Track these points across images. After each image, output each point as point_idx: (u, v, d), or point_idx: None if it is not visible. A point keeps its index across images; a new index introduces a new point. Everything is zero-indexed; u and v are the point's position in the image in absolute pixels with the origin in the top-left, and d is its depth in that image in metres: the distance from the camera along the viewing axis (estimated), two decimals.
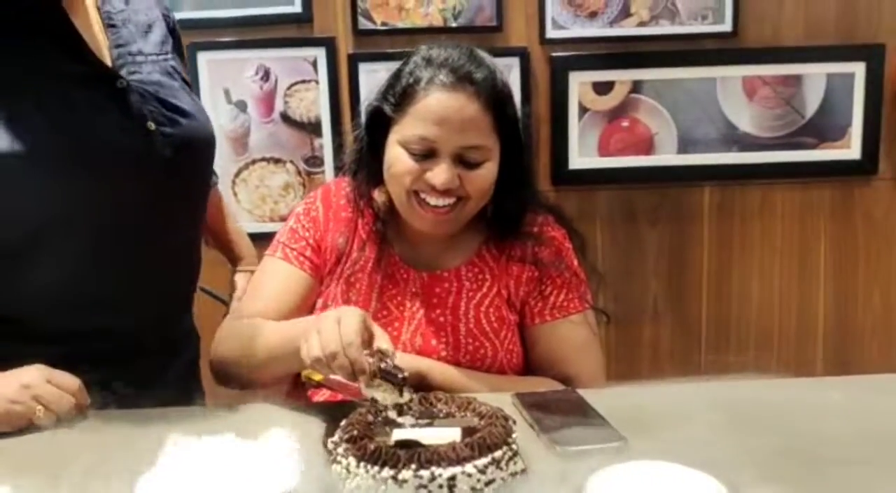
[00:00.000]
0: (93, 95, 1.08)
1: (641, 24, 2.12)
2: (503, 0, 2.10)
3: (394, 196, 1.21)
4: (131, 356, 1.10)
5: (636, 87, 2.15)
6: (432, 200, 1.15)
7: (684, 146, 2.17)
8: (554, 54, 2.12)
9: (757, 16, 2.12)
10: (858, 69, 2.14)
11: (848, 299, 2.24)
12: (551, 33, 2.12)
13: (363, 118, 1.24)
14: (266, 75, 2.14)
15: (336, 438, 0.80)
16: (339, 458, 0.76)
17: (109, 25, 1.14)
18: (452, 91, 1.12)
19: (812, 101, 2.16)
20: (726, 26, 2.11)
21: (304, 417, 0.97)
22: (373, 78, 2.11)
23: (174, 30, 1.29)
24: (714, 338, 2.24)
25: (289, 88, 2.15)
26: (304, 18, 2.10)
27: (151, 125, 1.12)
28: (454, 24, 2.11)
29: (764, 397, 1.03)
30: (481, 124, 1.13)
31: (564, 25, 2.12)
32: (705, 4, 2.11)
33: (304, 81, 2.15)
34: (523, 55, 2.11)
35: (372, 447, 0.75)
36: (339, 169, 1.35)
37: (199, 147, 1.22)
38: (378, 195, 1.27)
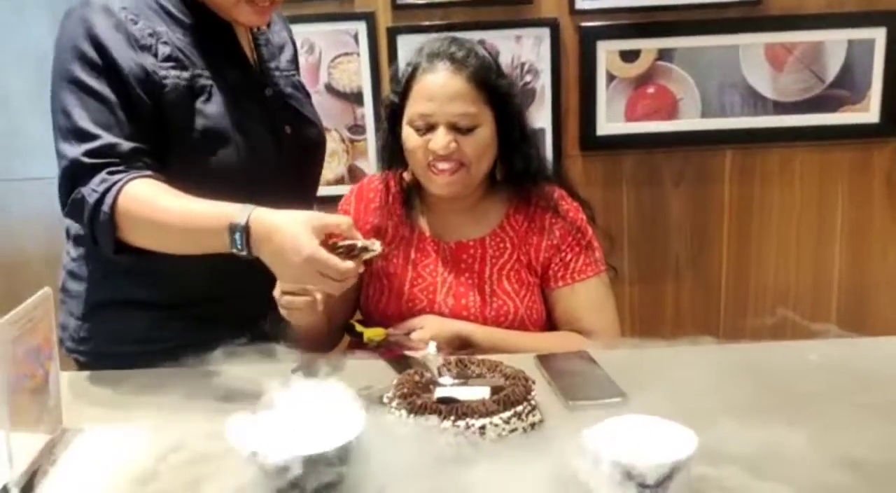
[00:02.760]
0: (249, 99, 1.32)
1: None
2: None
3: (414, 171, 1.42)
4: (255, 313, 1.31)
5: (661, 55, 2.24)
6: (439, 164, 1.35)
7: (707, 111, 2.26)
8: (583, 24, 2.21)
9: None
10: (879, 35, 2.20)
11: (863, 257, 2.34)
12: (580, 4, 2.20)
13: (383, 114, 1.47)
14: (311, 49, 2.28)
15: (390, 394, 0.99)
16: (393, 410, 0.95)
17: (256, 45, 1.39)
18: (439, 71, 1.34)
19: (833, 66, 2.23)
20: None
21: (364, 373, 1.16)
22: (410, 50, 2.21)
23: (296, 48, 1.56)
24: (733, 295, 2.37)
25: (332, 61, 2.28)
26: None
27: (288, 129, 1.36)
28: None
29: (751, 359, 1.19)
30: (466, 95, 1.33)
31: None
32: None
33: (346, 54, 2.28)
34: (553, 26, 2.21)
35: (419, 402, 0.93)
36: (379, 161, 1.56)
37: (317, 149, 1.48)
38: (407, 176, 1.48)
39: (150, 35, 1.22)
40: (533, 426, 0.95)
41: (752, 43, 2.22)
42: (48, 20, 2.27)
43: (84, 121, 1.16)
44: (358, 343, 1.36)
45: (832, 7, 2.19)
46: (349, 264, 1.05)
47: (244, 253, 1.09)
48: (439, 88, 1.33)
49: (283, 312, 1.17)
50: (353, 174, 2.35)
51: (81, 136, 1.16)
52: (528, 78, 2.27)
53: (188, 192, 1.17)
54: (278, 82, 1.42)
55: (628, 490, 0.76)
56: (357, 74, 2.29)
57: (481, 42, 2.18)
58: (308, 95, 1.53)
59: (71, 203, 1.17)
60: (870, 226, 2.33)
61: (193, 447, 0.97)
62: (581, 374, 1.12)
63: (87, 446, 0.99)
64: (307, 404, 0.88)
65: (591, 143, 2.30)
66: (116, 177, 1.14)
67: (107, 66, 1.18)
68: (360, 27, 2.25)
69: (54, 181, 2.05)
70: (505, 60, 2.24)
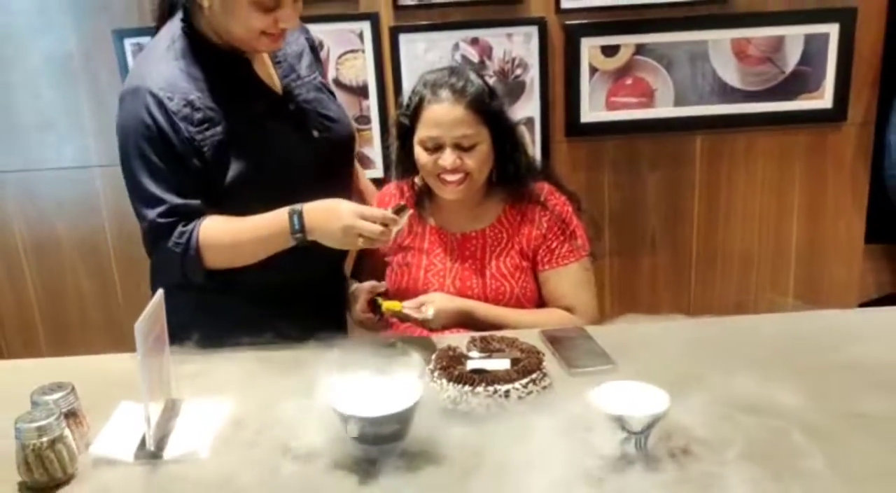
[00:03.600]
0: (277, 119, 1.56)
1: None
2: None
3: (426, 180, 1.69)
4: (313, 296, 1.60)
5: (639, 49, 2.47)
6: (448, 177, 1.62)
7: (680, 100, 2.51)
8: (568, 22, 2.43)
9: None
10: (833, 30, 2.44)
11: (817, 228, 2.62)
12: (565, 4, 2.42)
13: (393, 131, 1.73)
14: (320, 46, 2.47)
15: (431, 366, 1.25)
16: (435, 379, 1.21)
17: (275, 63, 1.61)
18: (442, 101, 1.60)
19: (792, 58, 2.48)
20: None
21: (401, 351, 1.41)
22: (411, 47, 2.46)
23: (314, 46, 1.75)
24: (703, 264, 2.64)
25: (340, 57, 2.49)
26: None
27: (315, 133, 1.60)
28: None
29: (715, 332, 1.47)
30: (466, 120, 1.59)
31: None
32: None
33: (352, 51, 2.48)
34: (541, 24, 2.43)
35: (456, 372, 1.19)
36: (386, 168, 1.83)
37: (346, 142, 1.72)
38: (418, 181, 1.75)
39: (185, 105, 1.45)
40: (545, 388, 1.22)
41: (719, 38, 2.46)
42: (72, 22, 2.45)
43: (153, 188, 1.46)
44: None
45: (791, 5, 2.43)
46: (379, 227, 1.39)
47: (299, 235, 1.42)
48: (444, 115, 1.59)
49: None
50: (360, 161, 2.57)
51: (153, 201, 1.46)
52: (518, 71, 2.50)
53: (238, 213, 1.48)
54: (300, 92, 1.63)
55: (621, 436, 1.03)
56: (362, 70, 2.50)
57: (474, 41, 2.45)
58: (331, 92, 1.75)
59: (160, 256, 1.51)
60: (823, 201, 2.60)
61: (270, 411, 1.22)
62: (579, 347, 1.39)
63: (189, 411, 1.24)
64: (376, 375, 1.14)
65: (576, 129, 2.53)
66: (189, 227, 1.46)
67: (161, 142, 1.44)
68: (365, 26, 2.45)
69: (82, 170, 2.55)
70: (497, 55, 2.47)
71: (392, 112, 2.45)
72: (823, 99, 2.51)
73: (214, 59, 1.51)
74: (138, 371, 1.07)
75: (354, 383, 1.12)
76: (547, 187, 1.73)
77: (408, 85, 2.42)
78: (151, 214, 1.46)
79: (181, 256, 1.46)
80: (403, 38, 2.45)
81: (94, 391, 1.24)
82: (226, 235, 1.47)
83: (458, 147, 1.59)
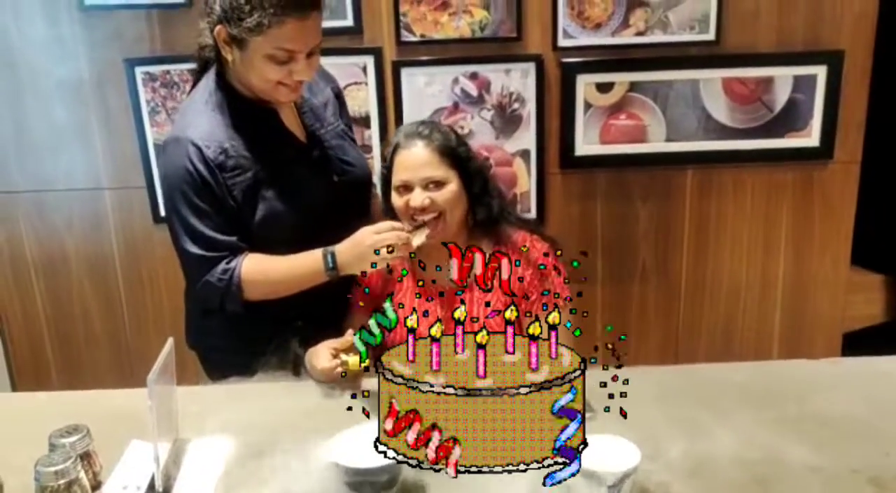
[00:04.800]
0: (301, 165, 1.71)
1: (639, 33, 2.51)
2: (522, 14, 2.48)
3: (404, 225, 1.76)
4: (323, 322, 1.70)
5: (633, 86, 2.56)
6: (420, 218, 1.70)
7: (672, 136, 2.60)
8: (564, 60, 2.52)
9: (737, 26, 2.49)
10: (821, 71, 2.53)
11: (804, 262, 2.70)
12: (562, 42, 2.51)
13: (379, 185, 1.83)
14: None
15: None
16: None
17: (301, 113, 1.75)
18: (413, 147, 1.71)
19: (780, 98, 2.56)
20: (710, 35, 2.50)
21: None
22: (413, 81, 2.54)
23: (339, 94, 1.91)
24: (692, 295, 2.73)
25: (343, 89, 2.56)
26: (356, 31, 2.51)
27: (335, 177, 1.75)
28: (480, 35, 2.51)
29: (687, 380, 1.55)
30: (433, 161, 1.70)
31: (573, 35, 2.51)
32: (693, 16, 2.49)
33: (356, 83, 2.57)
34: (538, 61, 2.52)
35: None
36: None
37: (363, 183, 1.86)
38: None
39: (221, 153, 1.61)
40: None
41: (710, 77, 2.54)
42: (86, 50, 2.54)
43: (197, 225, 1.61)
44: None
45: (781, 47, 2.51)
46: (396, 233, 1.58)
47: (332, 271, 1.60)
48: (413, 159, 1.69)
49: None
50: None
51: (196, 236, 1.62)
52: (515, 105, 2.58)
53: (265, 248, 1.64)
54: (324, 139, 1.77)
55: (594, 489, 1.12)
56: (365, 101, 2.59)
57: (474, 75, 2.53)
58: (352, 138, 1.89)
59: (202, 287, 1.65)
60: (810, 235, 2.68)
61: (272, 453, 1.31)
62: None
63: (195, 451, 1.33)
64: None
65: (570, 162, 2.62)
66: (231, 264, 1.62)
67: (203, 186, 1.60)
68: (369, 60, 2.54)
69: (92, 192, 2.67)
70: (495, 90, 2.56)
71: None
72: (811, 137, 2.60)
73: (245, 111, 1.66)
74: (149, 416, 1.15)
75: (351, 432, 1.20)
76: (529, 236, 1.80)
77: (408, 116, 2.53)
78: (194, 248, 1.62)
79: (223, 290, 1.62)
80: (405, 72, 2.54)
81: (105, 428, 1.32)
82: (264, 274, 1.64)
83: (427, 188, 1.68)
